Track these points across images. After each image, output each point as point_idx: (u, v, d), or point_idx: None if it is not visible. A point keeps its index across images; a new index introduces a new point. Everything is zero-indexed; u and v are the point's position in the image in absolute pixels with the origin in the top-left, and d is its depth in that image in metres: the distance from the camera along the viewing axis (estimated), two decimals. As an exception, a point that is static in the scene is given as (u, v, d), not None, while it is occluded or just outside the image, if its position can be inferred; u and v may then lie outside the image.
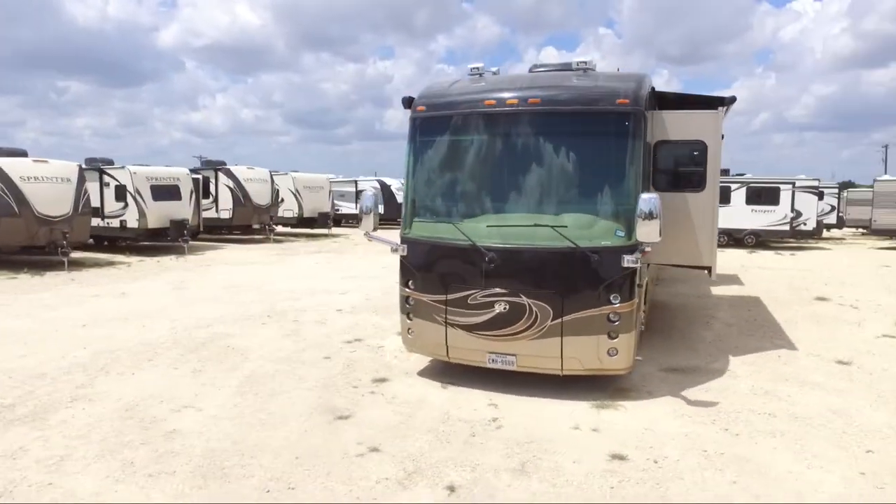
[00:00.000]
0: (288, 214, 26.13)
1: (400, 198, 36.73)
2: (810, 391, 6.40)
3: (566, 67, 6.86)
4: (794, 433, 5.30)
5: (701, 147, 6.83)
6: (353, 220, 32.98)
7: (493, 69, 7.06)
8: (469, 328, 6.17)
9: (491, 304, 6.04)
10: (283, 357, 7.51)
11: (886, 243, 24.55)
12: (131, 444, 4.98)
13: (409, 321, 6.61)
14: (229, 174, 22.94)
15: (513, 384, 6.25)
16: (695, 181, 6.92)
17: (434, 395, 6.21)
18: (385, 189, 35.13)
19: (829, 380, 6.79)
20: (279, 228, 26.40)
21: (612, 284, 5.82)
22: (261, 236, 24.59)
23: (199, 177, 22.10)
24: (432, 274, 6.37)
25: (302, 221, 26.75)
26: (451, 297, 6.20)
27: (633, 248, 5.78)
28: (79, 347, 7.85)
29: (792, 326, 9.31)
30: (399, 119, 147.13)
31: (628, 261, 5.77)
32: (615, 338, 5.89)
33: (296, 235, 26.60)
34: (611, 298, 5.82)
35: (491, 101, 6.26)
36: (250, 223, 23.51)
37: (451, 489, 4.31)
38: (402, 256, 6.58)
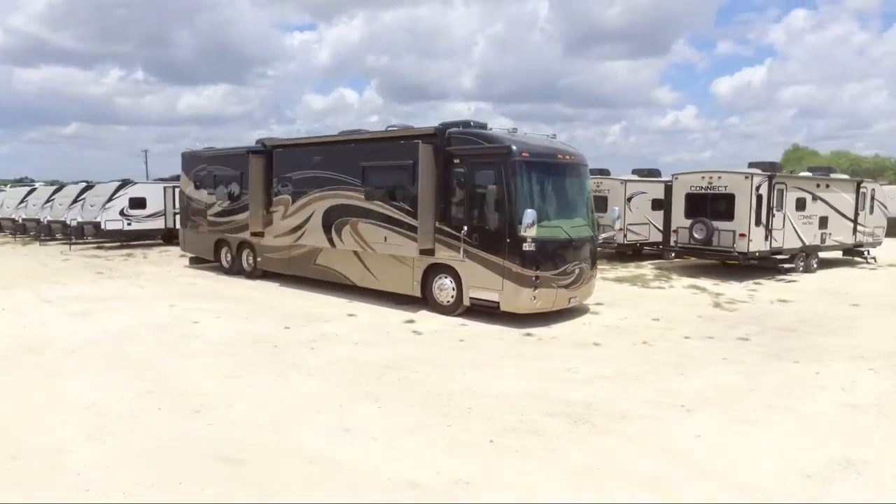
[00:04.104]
0: None
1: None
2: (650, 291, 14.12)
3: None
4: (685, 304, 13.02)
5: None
6: None
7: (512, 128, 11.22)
8: (566, 286, 10.75)
9: (574, 270, 10.87)
10: (397, 356, 9.14)
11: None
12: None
13: (534, 291, 10.29)
14: None
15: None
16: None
17: (548, 331, 10.38)
18: None
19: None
20: None
21: (595, 253, 11.83)
22: None
23: None
24: (551, 258, 10.46)
25: None
26: (559, 270, 10.56)
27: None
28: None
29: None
30: None
31: (597, 242, 11.97)
32: (595, 279, 11.92)
33: None
34: (595, 261, 11.82)
35: (561, 156, 10.92)
36: None
37: (646, 341, 9.87)
38: (528, 250, 10.19)
